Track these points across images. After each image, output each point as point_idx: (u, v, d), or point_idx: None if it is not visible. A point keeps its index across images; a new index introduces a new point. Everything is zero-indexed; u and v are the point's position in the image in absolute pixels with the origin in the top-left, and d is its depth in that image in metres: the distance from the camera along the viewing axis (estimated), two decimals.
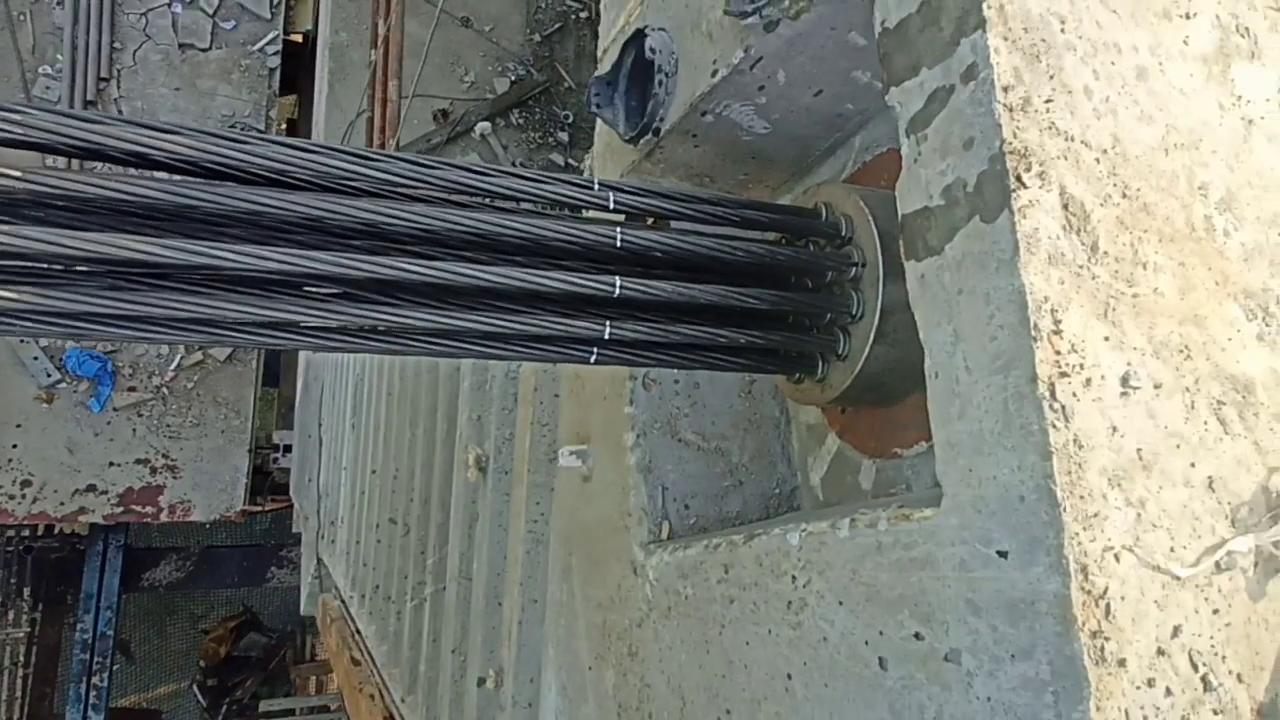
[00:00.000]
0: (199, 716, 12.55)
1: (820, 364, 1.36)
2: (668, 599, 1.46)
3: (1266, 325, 1.05)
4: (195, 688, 12.51)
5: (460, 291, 1.10)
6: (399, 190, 1.05)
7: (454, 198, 1.10)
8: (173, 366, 9.16)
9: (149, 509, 9.20)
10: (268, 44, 9.35)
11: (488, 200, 1.14)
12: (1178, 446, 0.91)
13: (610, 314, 1.18)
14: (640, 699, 1.52)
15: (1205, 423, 0.94)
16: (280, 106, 9.88)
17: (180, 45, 9.18)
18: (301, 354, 8.80)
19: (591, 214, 1.31)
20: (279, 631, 12.93)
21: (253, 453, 9.78)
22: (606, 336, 1.18)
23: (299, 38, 9.65)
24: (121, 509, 9.07)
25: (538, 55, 8.96)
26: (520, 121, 8.84)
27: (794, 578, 1.14)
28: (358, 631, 4.62)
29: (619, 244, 1.16)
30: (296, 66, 10.00)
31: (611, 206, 1.19)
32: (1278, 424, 1.00)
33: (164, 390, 9.17)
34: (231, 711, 12.20)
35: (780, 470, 1.72)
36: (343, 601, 5.28)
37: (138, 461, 9.11)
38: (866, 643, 1.00)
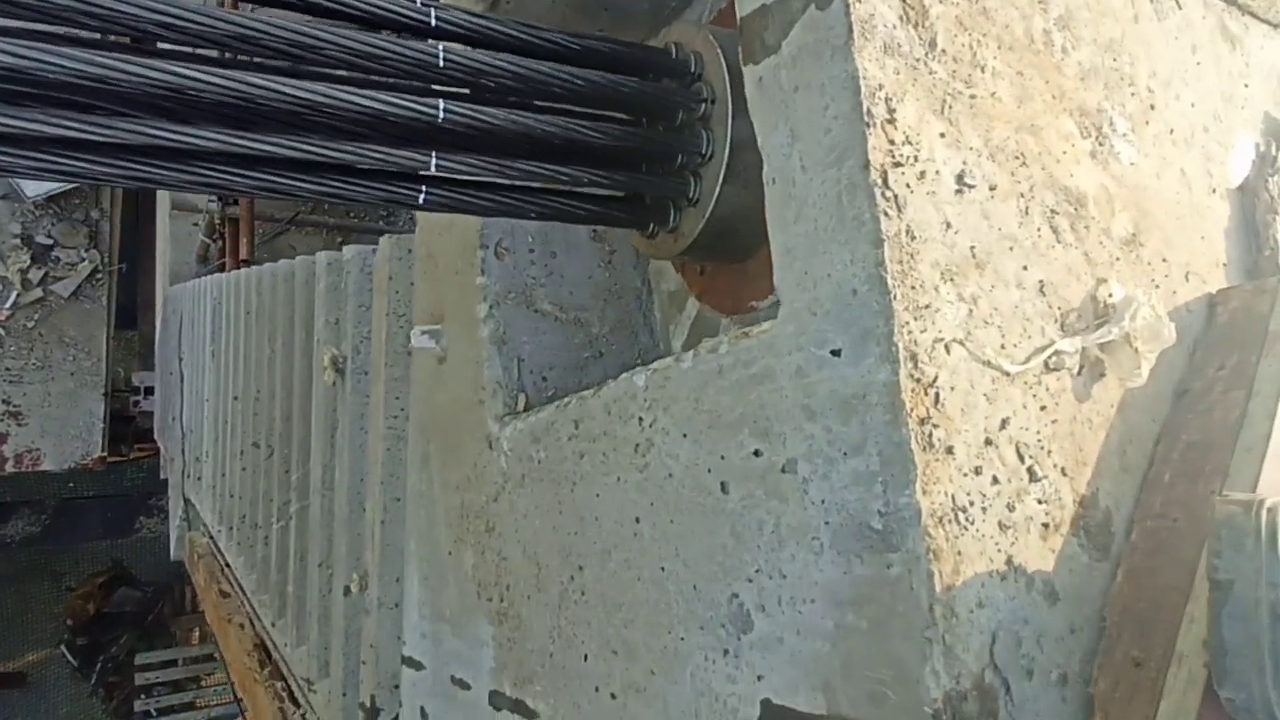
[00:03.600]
0: (71, 677, 11.88)
1: (672, 212, 1.30)
2: (521, 466, 1.40)
3: (1100, 144, 1.05)
4: (64, 648, 11.80)
5: (259, 110, 0.97)
6: None
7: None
8: (8, 305, 8.35)
9: None
10: None
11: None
12: (1011, 249, 0.90)
13: (437, 145, 1.08)
14: (498, 573, 1.47)
15: (1039, 229, 0.94)
16: None
17: None
18: (159, 288, 8.16)
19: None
20: (154, 584, 12.29)
21: (109, 396, 9.09)
22: (433, 171, 1.08)
23: None
24: None
25: None
26: None
27: (641, 419, 1.09)
28: (227, 565, 4.41)
29: (442, 63, 1.05)
30: None
31: (434, 24, 1.07)
32: (1106, 238, 1.01)
33: (0, 330, 8.36)
34: (107, 669, 11.59)
35: (642, 340, 1.67)
36: (211, 537, 5.02)
37: None
38: (709, 470, 0.97)
